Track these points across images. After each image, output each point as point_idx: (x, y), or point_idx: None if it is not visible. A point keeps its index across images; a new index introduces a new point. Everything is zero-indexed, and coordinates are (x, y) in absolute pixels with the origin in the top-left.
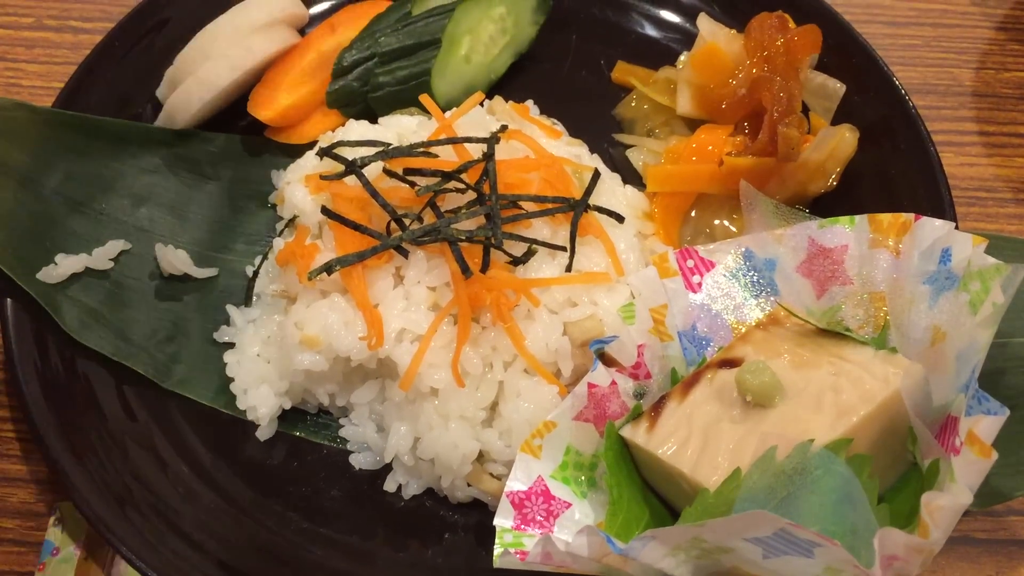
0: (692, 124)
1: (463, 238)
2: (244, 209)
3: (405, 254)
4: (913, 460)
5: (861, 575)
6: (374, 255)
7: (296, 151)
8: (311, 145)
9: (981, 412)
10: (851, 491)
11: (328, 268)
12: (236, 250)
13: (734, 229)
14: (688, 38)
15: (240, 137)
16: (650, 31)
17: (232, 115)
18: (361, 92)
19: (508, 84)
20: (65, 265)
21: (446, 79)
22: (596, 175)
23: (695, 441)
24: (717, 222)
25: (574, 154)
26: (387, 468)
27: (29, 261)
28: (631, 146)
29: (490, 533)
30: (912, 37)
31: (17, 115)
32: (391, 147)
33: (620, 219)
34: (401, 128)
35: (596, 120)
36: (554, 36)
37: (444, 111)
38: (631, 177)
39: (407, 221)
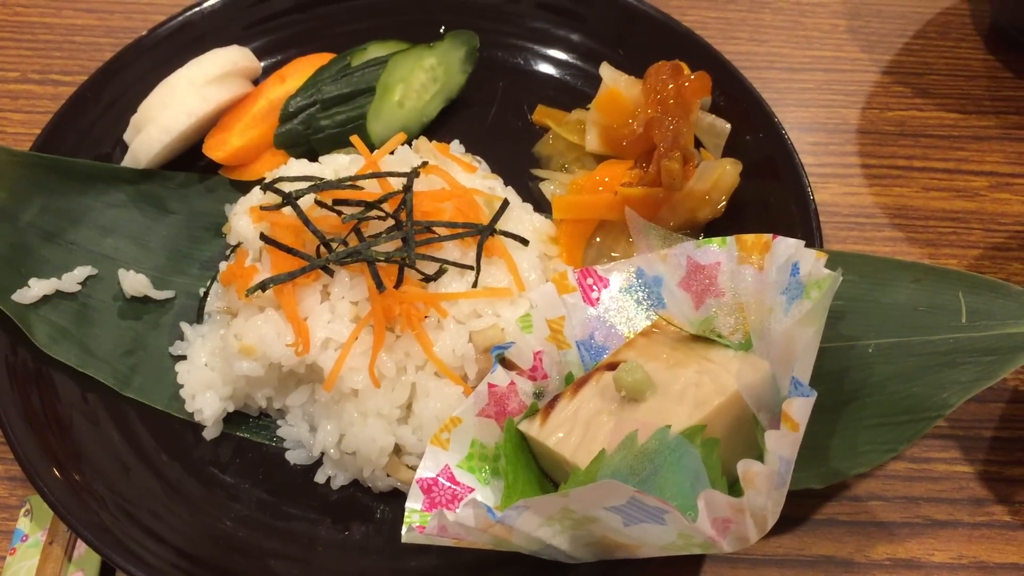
0: (601, 160)
1: (380, 258)
2: (200, 239)
3: (331, 273)
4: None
5: (710, 540)
6: (303, 274)
7: (247, 187)
8: (260, 182)
9: (796, 395)
10: (699, 469)
11: (263, 286)
12: (191, 274)
13: (629, 253)
14: (599, 83)
15: (198, 175)
16: (566, 77)
17: (191, 156)
18: (305, 134)
19: (440, 126)
20: (37, 288)
21: (381, 122)
22: (504, 204)
23: (578, 431)
24: (618, 246)
25: (488, 186)
26: (319, 462)
27: (4, 284)
28: (545, 179)
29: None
30: (806, 81)
31: None
32: (323, 181)
33: (524, 242)
34: (337, 165)
35: (518, 157)
36: (483, 82)
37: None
38: (546, 207)
39: (334, 245)
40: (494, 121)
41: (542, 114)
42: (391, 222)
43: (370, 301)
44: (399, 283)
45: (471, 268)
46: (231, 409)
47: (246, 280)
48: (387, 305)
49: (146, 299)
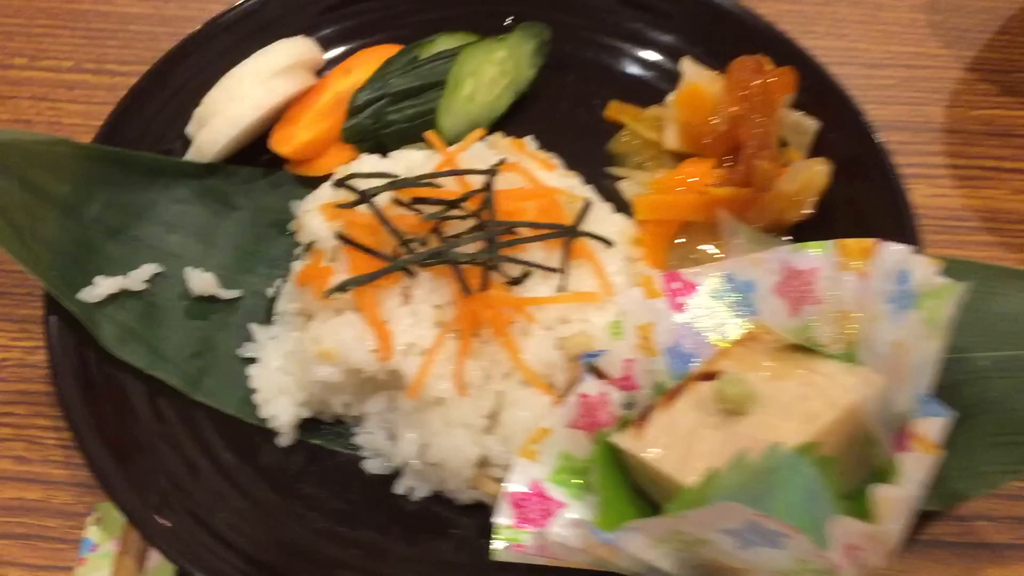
0: (678, 158)
1: (464, 260)
2: (265, 236)
3: (412, 275)
4: (875, 463)
5: (827, 565)
6: (384, 276)
7: (313, 183)
8: (327, 177)
9: (927, 414)
10: (816, 489)
11: (342, 287)
12: (258, 273)
13: (717, 254)
14: (675, 79)
15: (262, 170)
16: (640, 72)
17: (255, 150)
18: (373, 129)
19: (510, 121)
20: (103, 286)
21: (451, 117)
22: (587, 204)
23: (678, 446)
24: (701, 248)
25: (568, 185)
26: (396, 472)
27: (71, 282)
28: (622, 178)
29: (491, 531)
30: (887, 78)
31: (60, 150)
32: (399, 178)
33: (609, 244)
34: (409, 161)
35: (591, 154)
36: (552, 77)
37: (449, 146)
38: (623, 207)
39: (414, 245)
40: (565, 117)
41: (616, 110)
42: (471, 222)
43: (455, 305)
44: (485, 286)
45: (557, 271)
46: (306, 415)
47: (323, 281)
48: (474, 310)
49: (212, 298)
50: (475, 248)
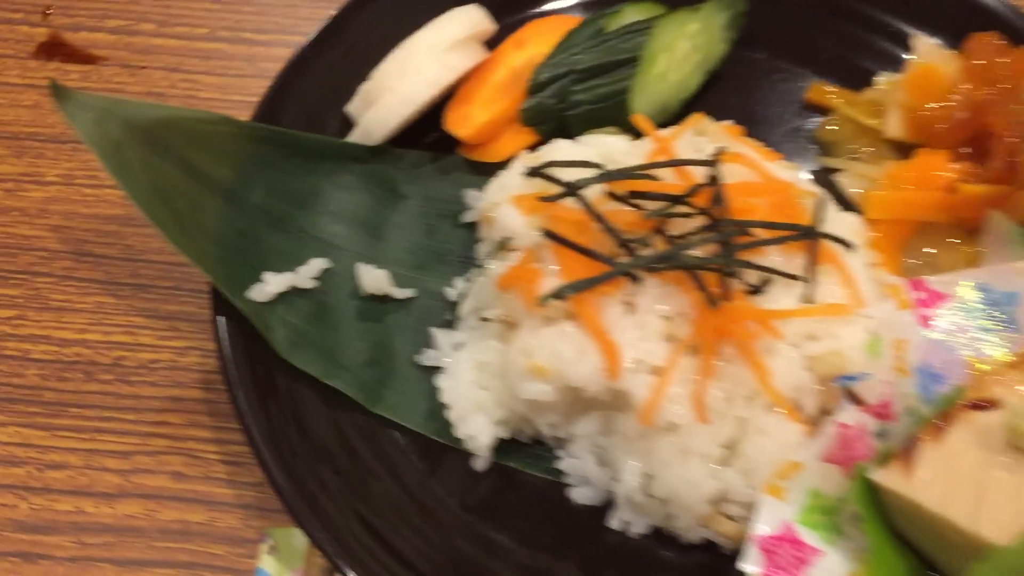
0: (897, 147)
1: (698, 265)
2: (437, 228)
3: (637, 281)
4: None
5: None
6: (608, 280)
7: (486, 169)
8: (502, 164)
9: None
10: None
11: (560, 293)
12: (433, 270)
13: (955, 259)
14: (882, 58)
15: (430, 154)
16: (844, 51)
17: (416, 131)
18: (556, 110)
19: (696, 104)
20: (274, 283)
21: (644, 98)
22: (822, 200)
23: (965, 490)
24: (939, 252)
25: (792, 178)
26: (607, 504)
27: (237, 278)
28: (836, 170)
29: (719, 574)
30: None
31: (222, 129)
32: (613, 169)
33: (850, 247)
34: (606, 148)
35: (789, 142)
36: (742, 53)
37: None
38: (840, 203)
39: (634, 246)
40: (757, 99)
41: (820, 93)
42: (694, 221)
43: (694, 317)
44: (726, 296)
45: (799, 279)
46: (505, 436)
47: (532, 285)
48: (719, 324)
49: (385, 298)
50: (704, 251)
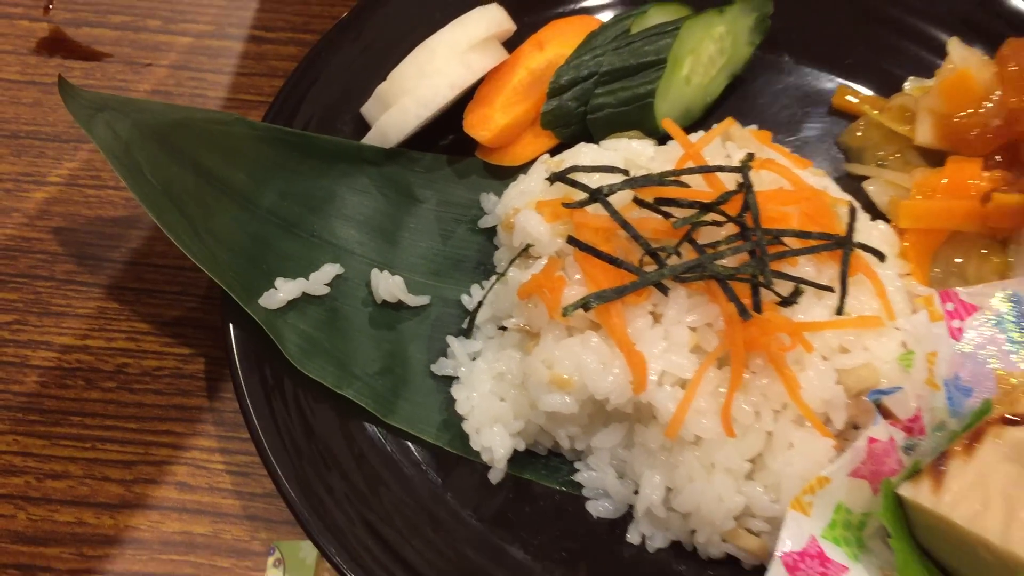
0: (926, 155)
1: (730, 275)
2: (452, 233)
3: (665, 291)
4: None
5: None
6: (634, 291)
7: (504, 173)
8: (521, 168)
9: None
10: None
11: (585, 304)
12: (448, 277)
13: (985, 270)
14: (910, 63)
15: (446, 157)
16: (867, 55)
17: (431, 133)
18: (578, 113)
19: (718, 108)
20: (285, 290)
21: (668, 102)
22: (854, 209)
23: (997, 507)
24: (968, 263)
25: (822, 185)
26: (625, 517)
27: (249, 284)
28: (863, 177)
29: None
30: None
31: (235, 130)
32: (641, 175)
33: (882, 257)
34: (630, 152)
35: (815, 148)
36: (764, 56)
37: (661, 135)
38: (868, 210)
39: (662, 255)
40: (781, 104)
41: (846, 98)
42: (726, 230)
43: (725, 329)
44: (757, 307)
45: (831, 290)
46: (521, 448)
47: (557, 294)
48: (750, 336)
49: (399, 305)
50: (734, 261)
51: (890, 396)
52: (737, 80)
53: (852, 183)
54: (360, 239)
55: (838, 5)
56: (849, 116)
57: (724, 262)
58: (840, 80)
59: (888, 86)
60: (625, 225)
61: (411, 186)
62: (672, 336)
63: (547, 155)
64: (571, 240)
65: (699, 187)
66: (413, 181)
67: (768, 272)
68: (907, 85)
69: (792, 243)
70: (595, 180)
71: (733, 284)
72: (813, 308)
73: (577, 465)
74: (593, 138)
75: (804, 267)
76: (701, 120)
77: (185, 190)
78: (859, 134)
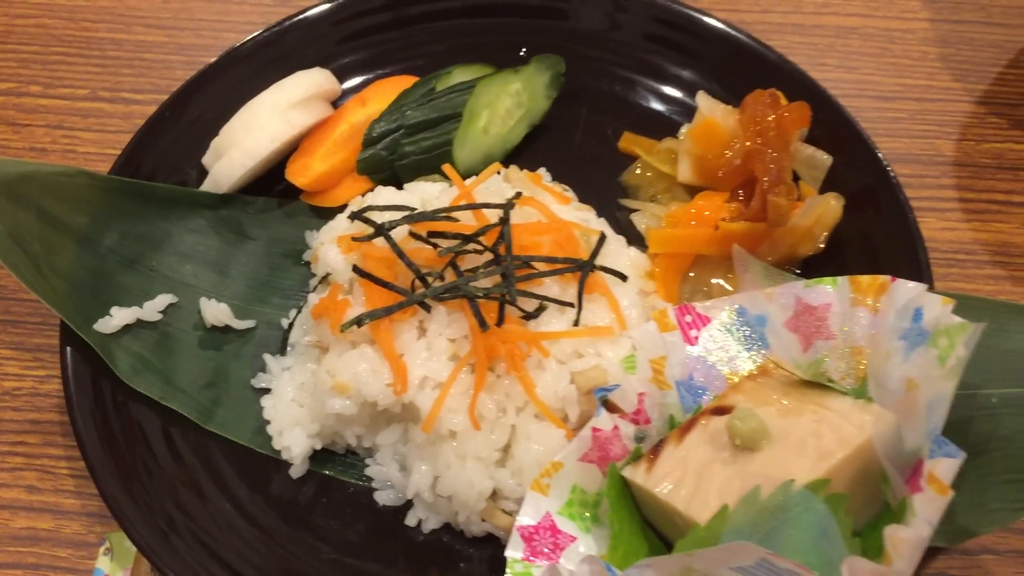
0: (692, 191)
1: (481, 295)
2: (280, 266)
3: (428, 309)
4: (886, 500)
5: None
6: (400, 310)
7: (328, 213)
8: (342, 208)
9: (941, 455)
10: (827, 526)
11: (359, 321)
12: (272, 303)
13: (729, 288)
14: (688, 111)
15: (276, 200)
16: (654, 105)
17: (269, 180)
18: (388, 160)
19: (523, 153)
20: (119, 317)
21: (466, 149)
22: (602, 238)
23: (689, 481)
24: (714, 281)
25: (582, 218)
26: (408, 504)
27: (87, 313)
28: (635, 210)
29: (502, 564)
30: (898, 110)
31: (78, 181)
32: (416, 212)
33: (623, 278)
34: (425, 194)
35: (604, 186)
36: (566, 108)
37: (464, 178)
38: (635, 239)
39: (430, 279)
40: (578, 148)
41: (629, 142)
42: (487, 256)
43: (471, 339)
44: (500, 321)
45: (571, 305)
46: (319, 447)
47: (339, 314)
48: (490, 344)
49: (227, 329)
50: (490, 283)
51: (613, 392)
52: (539, 128)
53: (626, 215)
54: (195, 272)
55: (624, 64)
56: (632, 158)
57: (480, 284)
58: (627, 127)
59: (668, 131)
60: (400, 254)
61: (244, 226)
62: (434, 346)
63: (360, 197)
64: (354, 268)
65: (468, 222)
66: (246, 221)
67: (514, 291)
68: (682, 130)
69: (541, 267)
70: (386, 217)
71: (485, 302)
72: (555, 321)
73: (368, 461)
74: (402, 182)
75: (551, 287)
76: (505, 163)
77: (30, 233)
78: (637, 172)
